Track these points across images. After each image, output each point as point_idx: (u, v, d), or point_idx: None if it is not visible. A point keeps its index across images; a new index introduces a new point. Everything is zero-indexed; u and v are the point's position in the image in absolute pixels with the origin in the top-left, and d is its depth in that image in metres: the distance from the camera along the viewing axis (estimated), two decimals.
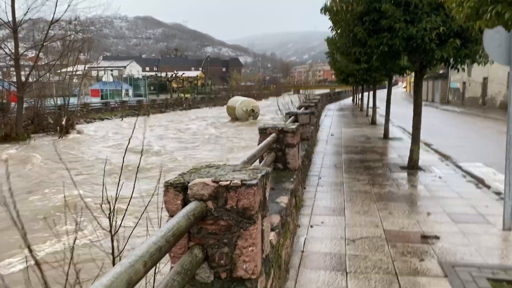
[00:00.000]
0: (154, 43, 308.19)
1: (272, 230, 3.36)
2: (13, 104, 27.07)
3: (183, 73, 77.88)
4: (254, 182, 2.37)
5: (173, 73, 74.18)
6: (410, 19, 7.25)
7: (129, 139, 3.60)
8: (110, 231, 3.16)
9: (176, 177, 2.58)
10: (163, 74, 78.14)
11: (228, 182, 2.37)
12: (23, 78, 24.10)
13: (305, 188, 7.38)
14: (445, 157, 10.70)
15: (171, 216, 2.50)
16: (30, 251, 2.52)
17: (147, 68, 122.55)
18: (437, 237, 4.94)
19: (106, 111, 40.43)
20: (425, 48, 7.42)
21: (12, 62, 25.32)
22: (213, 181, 2.40)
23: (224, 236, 2.41)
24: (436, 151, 11.69)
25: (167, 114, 43.64)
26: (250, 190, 2.36)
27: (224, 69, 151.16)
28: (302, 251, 4.49)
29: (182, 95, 67.42)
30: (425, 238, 4.93)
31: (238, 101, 34.60)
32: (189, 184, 2.41)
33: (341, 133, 16.48)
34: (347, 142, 13.67)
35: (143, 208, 3.31)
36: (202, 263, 2.41)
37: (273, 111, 34.27)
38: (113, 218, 3.17)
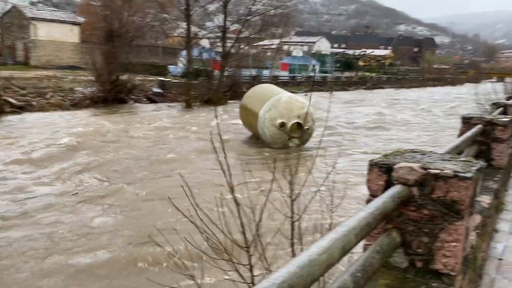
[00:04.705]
0: (346, 19, 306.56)
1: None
2: (215, 72, 30.64)
3: (372, 51, 75.80)
4: (469, 175, 2.20)
5: (361, 51, 72.87)
6: None
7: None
8: (290, 196, 3.35)
9: (379, 157, 2.57)
10: (351, 52, 77.49)
11: (438, 171, 2.25)
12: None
13: (506, 190, 6.51)
14: None
15: (372, 195, 2.52)
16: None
17: (335, 45, 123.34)
18: None
19: (293, 85, 42.34)
20: None
21: (219, 34, 28.42)
22: (421, 168, 2.31)
23: (425, 225, 2.32)
24: None
25: (347, 93, 43.24)
26: (463, 183, 2.20)
27: (416, 50, 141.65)
28: (500, 259, 4.02)
29: (368, 73, 65.92)
30: None
31: (267, 102, 14.77)
32: (394, 167, 2.37)
33: None
34: None
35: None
36: (398, 248, 2.38)
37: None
38: (293, 185, 3.36)
